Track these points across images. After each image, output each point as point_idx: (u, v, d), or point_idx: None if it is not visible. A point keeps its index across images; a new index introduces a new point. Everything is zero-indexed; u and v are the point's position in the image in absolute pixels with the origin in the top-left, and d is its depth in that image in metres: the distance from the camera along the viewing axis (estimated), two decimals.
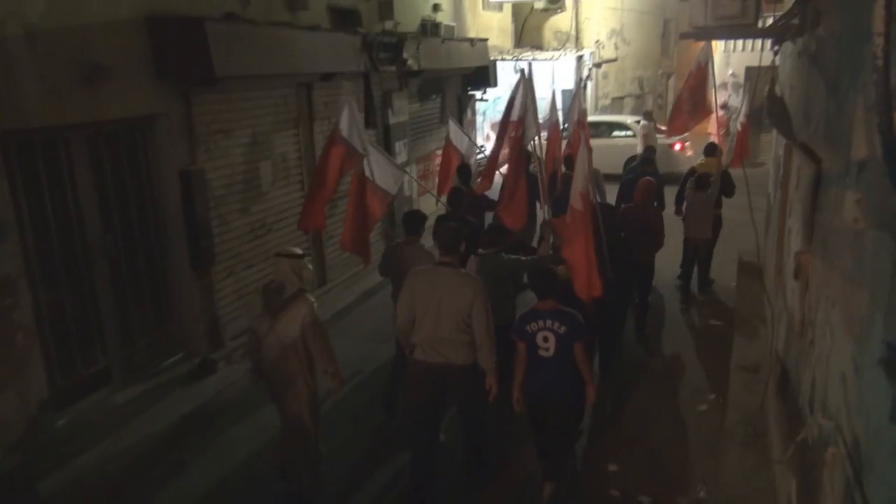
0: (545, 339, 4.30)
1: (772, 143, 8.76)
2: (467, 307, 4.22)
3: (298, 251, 4.59)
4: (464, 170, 7.91)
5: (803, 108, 4.57)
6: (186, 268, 6.06)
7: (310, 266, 4.57)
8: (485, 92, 12.88)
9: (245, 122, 6.71)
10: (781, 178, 5.75)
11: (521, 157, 6.39)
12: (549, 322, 4.30)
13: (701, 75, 7.74)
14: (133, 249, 5.68)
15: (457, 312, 4.24)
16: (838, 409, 2.85)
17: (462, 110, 12.43)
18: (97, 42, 5.02)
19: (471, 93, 12.62)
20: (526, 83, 6.27)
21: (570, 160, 7.82)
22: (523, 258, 5.44)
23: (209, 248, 6.16)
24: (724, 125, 10.18)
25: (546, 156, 7.26)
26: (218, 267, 6.40)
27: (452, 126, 8.16)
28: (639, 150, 14.14)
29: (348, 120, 5.78)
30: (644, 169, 8.34)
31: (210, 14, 5.84)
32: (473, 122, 13.28)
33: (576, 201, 5.00)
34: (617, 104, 21.00)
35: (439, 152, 11.73)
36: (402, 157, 9.86)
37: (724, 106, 20.65)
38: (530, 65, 7.67)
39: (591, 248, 4.86)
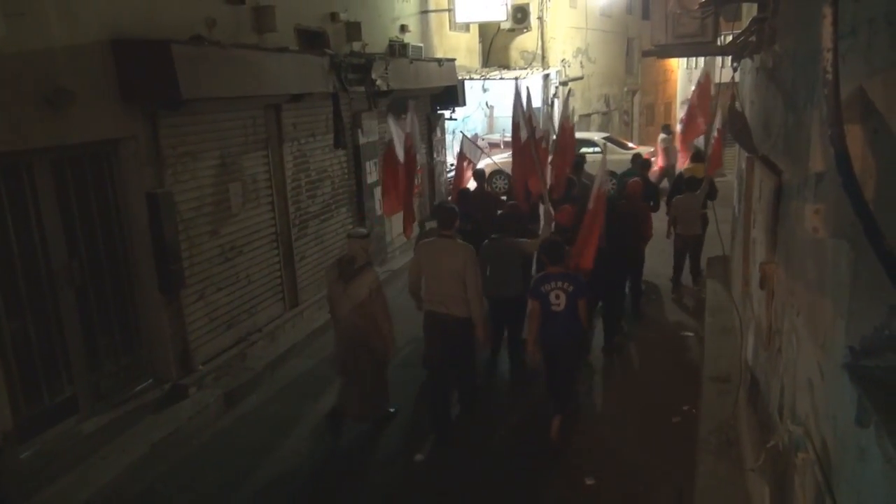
0: (557, 297, 5.38)
1: (735, 157, 8.98)
2: (461, 269, 5.34)
3: (364, 231, 5.90)
4: (479, 173, 9.51)
5: (763, 122, 4.70)
6: (155, 292, 5.97)
7: (372, 244, 5.88)
8: (453, 111, 12.98)
9: (213, 143, 6.67)
10: (744, 190, 5.88)
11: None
12: (559, 283, 5.39)
13: (702, 92, 9.03)
14: (100, 275, 5.58)
15: (453, 273, 5.36)
16: (807, 415, 2.91)
17: (432, 129, 12.50)
18: (61, 65, 4.97)
19: (440, 112, 12.71)
20: (517, 99, 7.90)
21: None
22: (524, 240, 6.57)
23: (178, 272, 6.08)
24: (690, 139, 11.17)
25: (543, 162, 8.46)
26: (188, 290, 6.31)
27: (465, 141, 9.75)
28: (660, 162, 15.34)
29: (411, 121, 7.65)
30: (639, 172, 9.68)
31: (176, 37, 5.81)
32: (443, 140, 13.35)
33: (595, 197, 6.17)
34: (584, 121, 21.31)
35: None
36: (372, 177, 9.87)
37: (686, 122, 21.09)
38: (517, 81, 9.36)
39: (597, 234, 6.10)
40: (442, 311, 5.47)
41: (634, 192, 8.12)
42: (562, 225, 6.97)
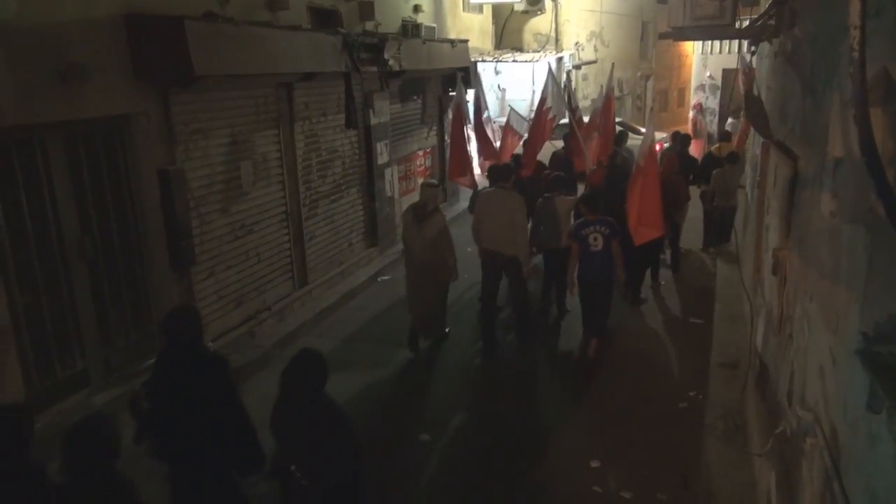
0: (595, 239, 6.42)
1: (749, 144, 8.92)
2: (511, 214, 6.49)
3: (436, 182, 7.37)
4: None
5: (780, 107, 4.64)
6: (166, 268, 6.00)
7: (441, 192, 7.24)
8: (465, 93, 12.89)
9: (225, 121, 6.67)
10: (759, 176, 5.83)
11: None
12: (597, 227, 6.44)
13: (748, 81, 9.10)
14: (111, 250, 5.61)
15: (504, 218, 6.51)
16: (816, 401, 2.90)
17: (443, 111, 12.44)
18: (74, 40, 4.96)
19: (451, 94, 12.63)
20: (550, 76, 9.45)
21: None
22: (570, 198, 7.48)
23: (189, 249, 6.11)
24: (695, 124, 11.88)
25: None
26: (198, 268, 6.35)
27: (513, 113, 10.50)
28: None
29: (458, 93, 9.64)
30: (679, 149, 10.29)
31: (189, 13, 5.79)
32: None
33: (642, 158, 6.91)
34: (597, 105, 21.14)
35: (420, 153, 11.78)
36: (383, 158, 9.85)
37: (697, 108, 20.90)
38: (549, 63, 10.41)
39: (652, 194, 6.70)
40: (494, 249, 6.65)
41: (670, 166, 8.75)
42: (594, 184, 8.25)
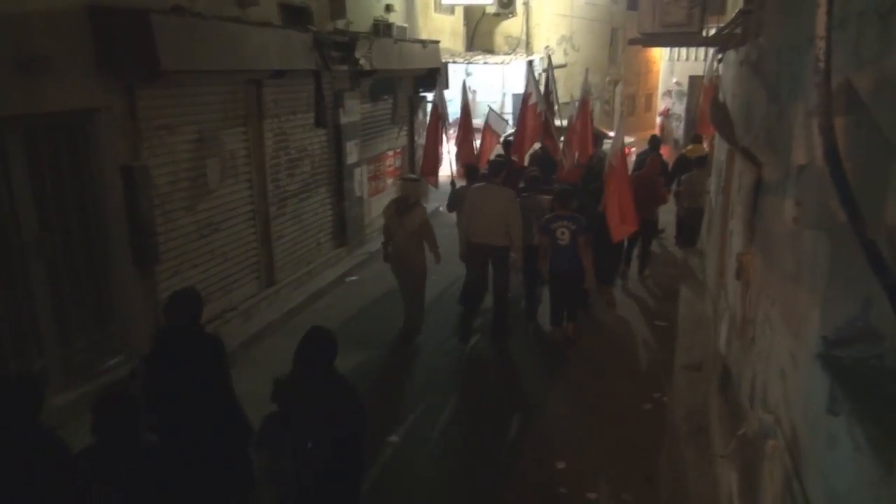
0: (562, 233, 6.77)
1: (714, 150, 9.09)
2: (502, 208, 6.76)
3: (416, 176, 7.97)
4: (507, 143, 10.39)
5: (745, 114, 4.73)
6: (129, 266, 5.88)
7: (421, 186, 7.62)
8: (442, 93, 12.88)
9: (192, 118, 6.55)
10: (723, 182, 5.94)
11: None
12: (565, 222, 6.79)
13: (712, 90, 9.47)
14: (72, 247, 5.47)
15: (496, 211, 6.78)
16: (778, 404, 2.96)
17: (413, 112, 12.42)
18: (35, 31, 4.82)
19: (422, 94, 12.62)
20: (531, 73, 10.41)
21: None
22: (546, 197, 7.52)
23: (153, 247, 5.99)
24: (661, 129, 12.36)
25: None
26: (162, 266, 6.23)
27: (492, 114, 10.83)
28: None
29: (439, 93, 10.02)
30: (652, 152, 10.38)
31: (157, 7, 5.68)
32: (424, 123, 13.27)
33: (614, 159, 7.37)
34: (566, 109, 21.34)
35: (391, 153, 11.74)
36: (353, 158, 9.79)
37: (664, 114, 21.24)
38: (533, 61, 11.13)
39: (626, 193, 7.19)
40: (483, 242, 6.93)
41: (653, 167, 9.22)
42: (571, 183, 8.47)
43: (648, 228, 9.12)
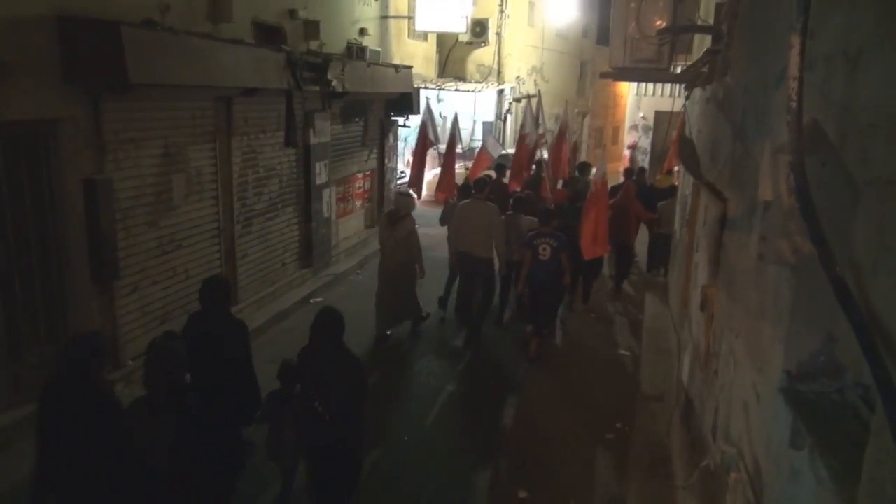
0: (544, 249, 7.33)
1: (680, 184, 9.27)
2: (488, 222, 7.63)
3: (409, 191, 8.51)
4: (500, 166, 10.91)
5: (710, 150, 4.85)
6: (86, 281, 5.70)
7: (413, 200, 8.06)
8: (407, 118, 12.95)
9: (159, 132, 6.44)
10: (688, 215, 6.05)
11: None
12: (547, 239, 7.37)
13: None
14: (27, 260, 5.29)
15: (481, 225, 7.64)
16: (740, 436, 2.99)
17: (384, 135, 12.44)
18: None
19: (394, 118, 12.67)
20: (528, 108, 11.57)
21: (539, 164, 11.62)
22: (530, 218, 8.17)
23: (113, 262, 5.83)
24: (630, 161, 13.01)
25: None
26: (122, 282, 6.06)
27: (490, 139, 12.14)
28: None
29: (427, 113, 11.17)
30: (627, 179, 11.11)
31: (127, 19, 5.60)
32: (395, 147, 13.30)
33: (596, 186, 8.13)
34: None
35: (360, 175, 11.71)
36: (322, 178, 9.73)
37: (633, 146, 21.69)
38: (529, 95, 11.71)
39: (603, 219, 7.88)
40: (469, 251, 7.70)
41: (629, 192, 9.93)
42: (556, 203, 9.39)
43: (625, 252, 9.93)
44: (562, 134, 11.40)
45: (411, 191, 8.96)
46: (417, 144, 10.90)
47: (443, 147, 19.81)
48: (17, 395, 5.23)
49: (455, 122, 11.64)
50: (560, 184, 11.25)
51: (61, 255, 5.57)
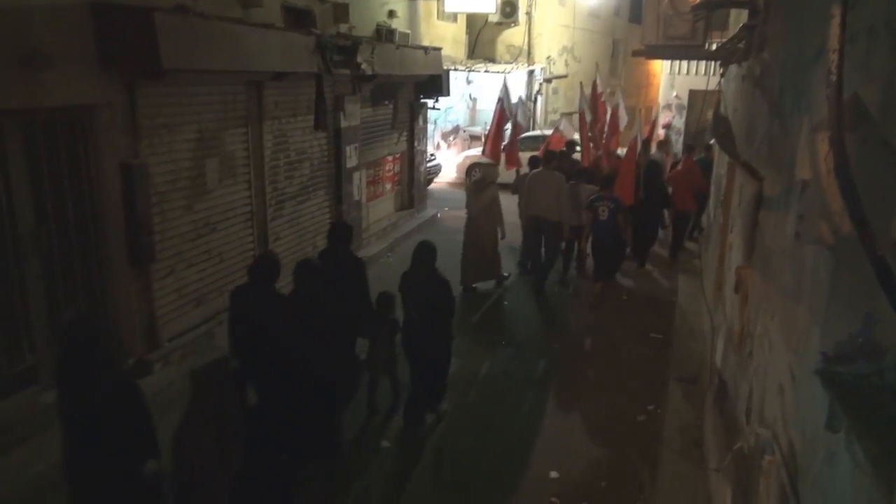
0: (602, 210, 8.47)
1: (714, 164, 9.10)
2: (555, 189, 8.75)
3: (492, 162, 10.03)
4: (570, 143, 11.82)
5: (746, 128, 4.74)
6: (124, 264, 5.84)
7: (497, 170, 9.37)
8: (437, 101, 12.91)
9: (192, 117, 6.53)
10: (723, 195, 5.94)
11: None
12: (605, 202, 8.53)
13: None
14: (68, 244, 5.43)
15: (549, 191, 8.74)
16: (775, 419, 2.94)
17: (414, 118, 12.42)
18: (37, 26, 4.80)
19: (423, 101, 12.63)
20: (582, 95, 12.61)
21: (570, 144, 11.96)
22: (591, 186, 9.20)
23: (149, 245, 5.96)
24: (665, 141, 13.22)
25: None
26: (158, 265, 6.19)
27: (563, 121, 13.00)
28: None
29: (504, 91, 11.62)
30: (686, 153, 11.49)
31: (160, 5, 5.66)
32: (425, 129, 13.28)
33: (629, 150, 9.91)
34: (567, 120, 21.40)
35: (390, 158, 11.73)
36: (352, 162, 9.78)
37: (668, 126, 21.29)
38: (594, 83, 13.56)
39: (630, 179, 9.43)
40: (539, 215, 8.83)
41: (689, 165, 10.45)
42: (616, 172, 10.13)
43: (683, 221, 10.62)
44: (615, 111, 12.45)
45: (492, 162, 10.10)
46: (494, 119, 11.53)
47: (475, 129, 19.81)
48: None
49: (520, 100, 12.45)
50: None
51: (100, 239, 5.70)
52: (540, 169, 9.15)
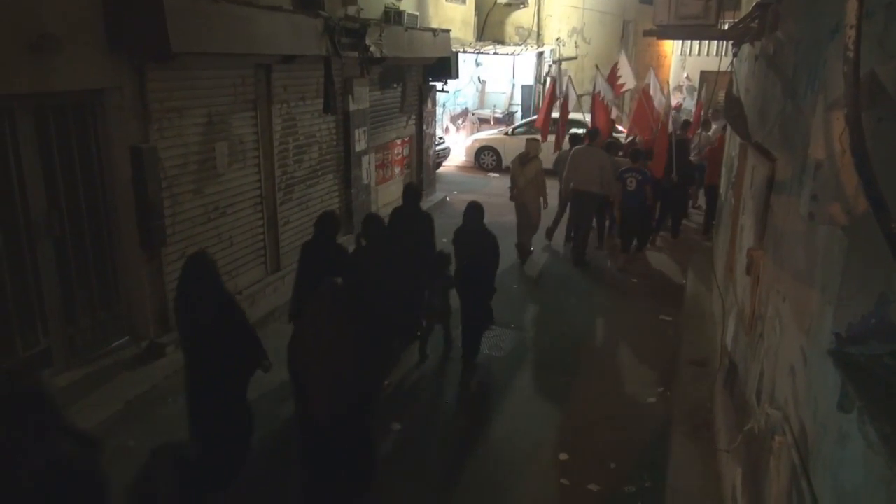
0: (630, 181, 9.19)
1: (726, 145, 9.03)
2: (598, 164, 9.28)
3: (536, 137, 10.60)
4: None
5: (759, 109, 4.69)
6: (136, 248, 5.88)
7: (540, 144, 9.88)
8: (446, 83, 12.83)
9: (201, 101, 6.53)
10: (734, 177, 5.89)
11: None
12: (633, 173, 9.20)
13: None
14: (79, 227, 5.47)
15: (593, 166, 9.28)
16: (786, 400, 2.94)
17: (423, 101, 12.36)
18: (47, 10, 4.80)
19: (432, 84, 12.57)
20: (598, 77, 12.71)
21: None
22: (621, 157, 10.11)
23: (160, 229, 5.99)
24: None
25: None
26: (169, 249, 6.22)
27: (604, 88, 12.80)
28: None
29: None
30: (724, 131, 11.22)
31: None
32: (434, 112, 13.22)
33: (662, 126, 10.36)
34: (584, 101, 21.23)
35: (399, 142, 11.70)
36: (361, 145, 9.76)
37: (678, 108, 21.10)
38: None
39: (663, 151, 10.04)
40: (583, 189, 9.40)
41: (722, 142, 10.06)
42: (646, 147, 10.64)
43: (715, 195, 10.74)
44: (645, 91, 12.97)
45: (537, 136, 10.92)
46: (545, 97, 12.86)
47: (484, 112, 19.71)
48: (73, 357, 5.46)
49: (570, 81, 13.24)
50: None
51: (111, 223, 5.74)
52: (583, 145, 9.84)
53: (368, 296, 4.67)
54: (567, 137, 11.14)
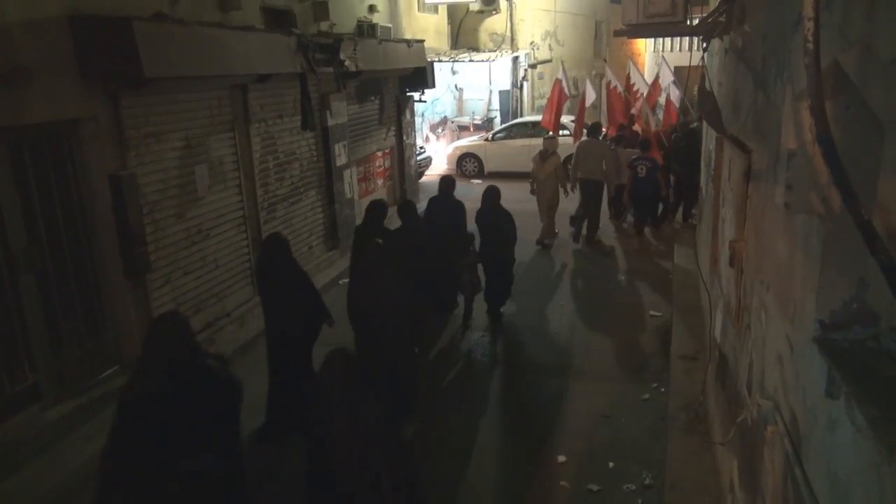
0: (641, 169, 10.11)
1: (703, 140, 9.10)
2: (601, 154, 10.51)
3: (553, 135, 11.63)
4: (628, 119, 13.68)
5: (732, 102, 4.74)
6: (120, 276, 5.83)
7: (557, 141, 11.00)
8: (423, 93, 12.88)
9: (178, 124, 6.51)
10: (713, 171, 5.94)
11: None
12: (644, 161, 10.13)
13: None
14: (62, 259, 5.42)
15: (597, 156, 10.47)
16: (776, 389, 2.96)
17: (401, 112, 12.39)
18: (17, 42, 4.78)
19: (409, 94, 12.60)
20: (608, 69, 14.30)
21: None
22: (629, 149, 11.07)
23: (144, 256, 5.95)
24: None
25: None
26: (153, 275, 6.18)
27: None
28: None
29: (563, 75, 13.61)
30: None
31: (138, 13, 5.63)
32: (413, 123, 13.25)
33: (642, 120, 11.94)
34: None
35: (380, 154, 11.71)
36: (341, 160, 9.76)
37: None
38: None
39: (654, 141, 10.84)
40: (588, 177, 10.48)
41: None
42: (656, 138, 11.72)
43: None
44: (655, 85, 14.15)
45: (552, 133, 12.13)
46: (551, 97, 13.59)
47: (463, 120, 19.78)
48: (62, 390, 5.40)
49: (588, 81, 14.43)
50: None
51: (94, 252, 5.69)
52: (587, 139, 10.94)
53: (406, 258, 5.93)
54: (585, 131, 12.08)
